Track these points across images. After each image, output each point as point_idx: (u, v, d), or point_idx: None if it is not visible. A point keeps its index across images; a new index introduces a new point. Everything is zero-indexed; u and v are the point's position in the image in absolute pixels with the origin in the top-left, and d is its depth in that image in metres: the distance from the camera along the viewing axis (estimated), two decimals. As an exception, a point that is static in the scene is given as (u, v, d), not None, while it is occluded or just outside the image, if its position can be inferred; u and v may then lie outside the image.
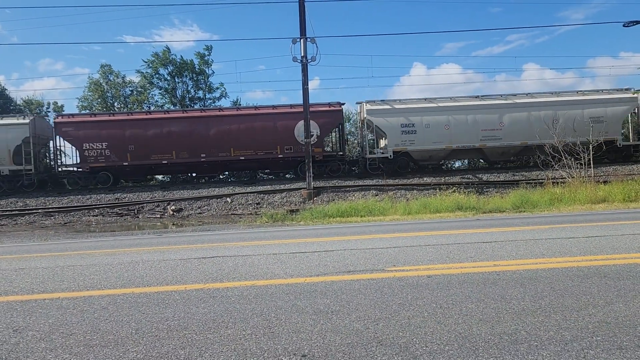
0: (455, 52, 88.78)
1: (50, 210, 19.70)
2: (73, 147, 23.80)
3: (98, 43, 79.27)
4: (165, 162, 23.20)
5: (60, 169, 24.62)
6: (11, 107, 37.08)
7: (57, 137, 23.73)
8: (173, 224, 16.00)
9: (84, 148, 23.02)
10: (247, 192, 20.64)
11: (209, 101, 38.46)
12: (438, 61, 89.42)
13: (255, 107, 24.79)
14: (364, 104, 24.33)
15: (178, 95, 37.83)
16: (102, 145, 23.07)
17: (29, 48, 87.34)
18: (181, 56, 37.70)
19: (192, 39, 78.09)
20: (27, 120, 23.61)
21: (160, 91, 38.36)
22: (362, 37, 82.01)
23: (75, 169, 24.07)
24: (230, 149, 23.24)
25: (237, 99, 40.05)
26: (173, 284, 4.96)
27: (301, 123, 22.19)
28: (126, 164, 23.19)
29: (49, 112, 38.66)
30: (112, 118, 24.15)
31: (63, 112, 23.37)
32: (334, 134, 26.16)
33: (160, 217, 18.61)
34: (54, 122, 23.71)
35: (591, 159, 17.28)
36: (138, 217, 18.96)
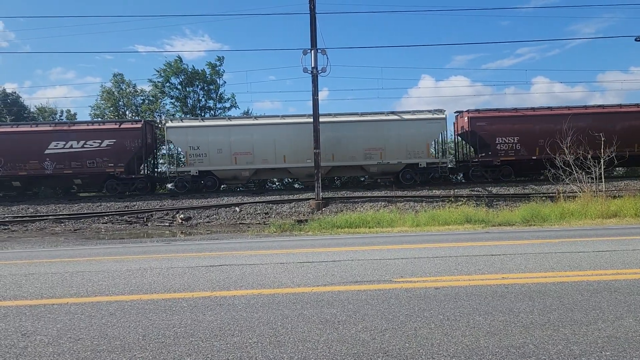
0: (464, 65, 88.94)
1: (61, 216, 19.87)
2: (482, 141, 24.19)
3: (110, 52, 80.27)
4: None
5: (476, 160, 24.70)
6: (25, 115, 37.59)
7: (472, 131, 24.08)
8: (181, 232, 16.06)
9: (497, 142, 23.54)
10: (256, 202, 20.69)
11: (219, 111, 38.74)
12: (446, 74, 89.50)
13: None
14: None
15: (189, 105, 38.15)
16: (513, 139, 23.58)
17: (41, 57, 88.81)
18: (193, 66, 38.07)
19: (203, 49, 78.97)
20: (444, 115, 24.01)
21: (171, 100, 38.73)
22: (372, 48, 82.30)
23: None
24: (634, 145, 23.42)
25: (248, 109, 40.28)
26: (180, 291, 4.98)
27: None
28: (534, 157, 23.50)
29: (61, 118, 39.14)
30: (521, 113, 24.38)
31: (473, 109, 23.97)
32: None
33: (169, 226, 18.69)
34: (469, 117, 24.07)
35: (602, 173, 17.12)
36: (147, 225, 19.05)
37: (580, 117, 23.53)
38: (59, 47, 72.07)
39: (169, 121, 24.44)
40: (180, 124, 24.04)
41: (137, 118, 24.14)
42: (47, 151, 22.78)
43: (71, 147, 22.98)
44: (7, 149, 22.87)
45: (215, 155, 23.06)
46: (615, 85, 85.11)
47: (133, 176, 23.67)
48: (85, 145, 23.00)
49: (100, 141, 23.06)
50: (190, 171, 23.06)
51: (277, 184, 30.70)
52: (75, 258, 8.30)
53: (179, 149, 24.03)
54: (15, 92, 39.05)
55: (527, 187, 22.20)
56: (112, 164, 23.04)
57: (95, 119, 23.74)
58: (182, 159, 24.28)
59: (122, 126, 23.83)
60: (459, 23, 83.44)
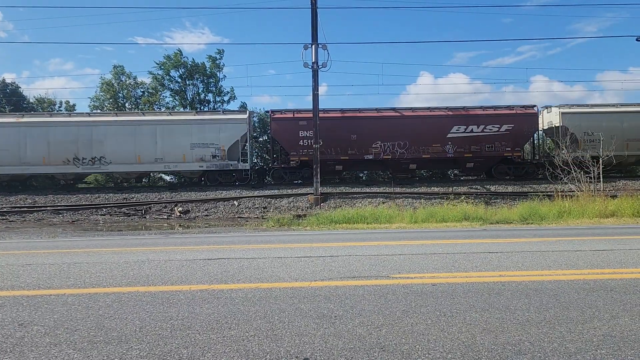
0: (465, 62, 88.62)
1: (59, 208, 19.86)
2: None
3: (110, 44, 79.96)
4: None
5: None
6: (24, 105, 37.47)
7: None
8: (180, 225, 16.06)
9: None
10: (254, 196, 20.69)
11: (218, 104, 38.66)
12: (446, 71, 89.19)
13: None
14: None
15: (188, 98, 38.07)
16: None
17: (39, 47, 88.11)
18: (193, 59, 37.97)
19: (203, 42, 78.59)
20: None
21: (171, 93, 38.63)
22: (373, 44, 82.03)
23: None
24: None
25: (244, 103, 40.17)
26: (178, 284, 4.99)
27: None
28: None
29: (60, 110, 39.04)
30: None
31: None
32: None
33: (167, 218, 18.68)
34: None
35: (600, 173, 17.15)
36: (145, 217, 19.05)
37: None
38: (58, 37, 71.66)
39: (565, 107, 24.54)
40: (577, 110, 24.26)
41: (531, 104, 24.78)
42: (449, 135, 23.33)
43: (471, 131, 23.71)
44: (412, 132, 23.60)
45: (608, 142, 23.06)
46: (614, 85, 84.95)
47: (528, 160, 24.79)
48: (484, 130, 23.69)
49: (499, 126, 23.69)
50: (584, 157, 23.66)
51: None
52: (73, 249, 8.30)
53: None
54: (14, 82, 38.93)
55: (525, 185, 22.22)
56: (510, 148, 23.76)
57: (487, 105, 24.84)
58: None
59: (518, 111, 24.20)
60: (461, 20, 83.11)
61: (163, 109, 36.21)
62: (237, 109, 24.48)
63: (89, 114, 25.50)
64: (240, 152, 23.69)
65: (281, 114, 24.39)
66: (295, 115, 24.06)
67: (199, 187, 23.66)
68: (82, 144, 23.41)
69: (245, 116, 24.38)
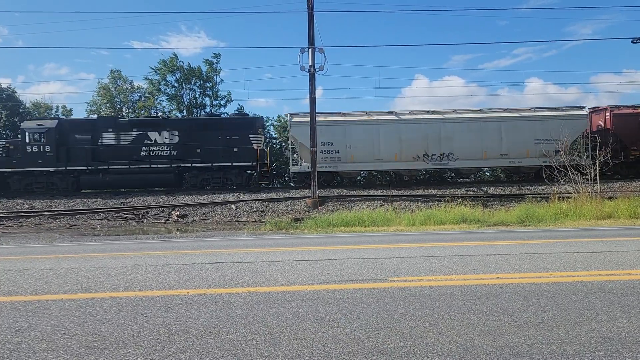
0: (462, 65, 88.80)
1: (56, 212, 19.80)
2: None
3: (106, 48, 79.89)
4: None
5: None
6: (20, 110, 37.38)
7: None
8: (177, 230, 16.03)
9: None
10: (252, 200, 20.67)
11: (215, 108, 38.65)
12: (441, 74, 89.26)
13: None
14: None
15: (185, 102, 38.06)
16: None
17: (33, 52, 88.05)
18: (189, 63, 37.94)
19: (199, 45, 78.61)
20: None
21: (167, 97, 38.60)
22: (369, 47, 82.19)
23: None
24: None
25: (241, 107, 40.17)
26: (176, 288, 4.97)
27: None
28: None
29: (57, 114, 38.97)
30: None
31: None
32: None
33: (165, 223, 18.64)
34: None
35: (597, 175, 17.19)
36: (143, 221, 19.01)
37: None
38: (53, 42, 71.68)
39: None
40: None
41: None
42: None
43: None
44: None
45: None
46: (608, 87, 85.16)
47: None
48: None
49: None
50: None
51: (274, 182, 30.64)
52: (70, 254, 8.27)
53: None
54: (10, 87, 38.86)
55: (522, 187, 22.25)
56: None
57: None
58: None
59: None
60: (458, 22, 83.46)
61: (160, 114, 36.16)
62: (575, 105, 24.53)
63: (428, 112, 25.29)
64: (589, 147, 23.68)
65: (619, 109, 24.83)
66: (634, 110, 24.64)
67: (196, 191, 23.61)
68: (432, 141, 23.75)
69: (586, 112, 24.58)
